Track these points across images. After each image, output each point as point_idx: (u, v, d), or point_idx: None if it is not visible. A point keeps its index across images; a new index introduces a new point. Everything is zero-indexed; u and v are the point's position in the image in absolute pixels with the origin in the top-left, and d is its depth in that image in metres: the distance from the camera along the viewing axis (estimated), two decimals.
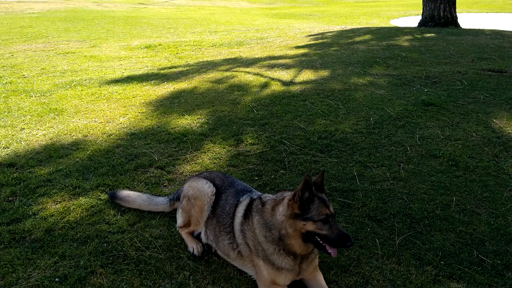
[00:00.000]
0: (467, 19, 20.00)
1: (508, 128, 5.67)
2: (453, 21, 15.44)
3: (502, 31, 14.53)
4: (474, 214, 3.83)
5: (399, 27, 16.86)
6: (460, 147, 5.15)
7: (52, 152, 5.01)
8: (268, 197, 3.09)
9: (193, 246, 3.34)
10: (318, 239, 2.74)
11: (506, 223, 3.69)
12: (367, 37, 13.43)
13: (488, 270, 3.15)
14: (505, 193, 4.15)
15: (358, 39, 13.13)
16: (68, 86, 8.07)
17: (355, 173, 4.55)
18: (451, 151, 5.01)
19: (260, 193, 3.29)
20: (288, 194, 2.87)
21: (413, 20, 19.99)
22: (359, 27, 17.44)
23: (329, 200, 3.96)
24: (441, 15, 15.31)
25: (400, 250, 3.36)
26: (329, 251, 2.73)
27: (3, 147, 5.17)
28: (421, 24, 15.89)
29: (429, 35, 13.17)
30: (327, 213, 2.72)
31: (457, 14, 15.71)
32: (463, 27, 15.39)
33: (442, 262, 3.22)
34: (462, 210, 3.88)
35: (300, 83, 8.05)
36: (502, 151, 5.04)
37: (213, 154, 5.05)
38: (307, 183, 2.71)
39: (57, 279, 2.98)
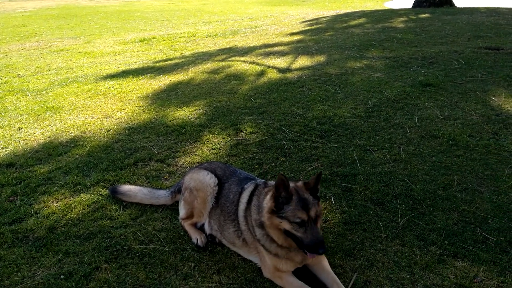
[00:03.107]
0: None
1: (507, 105, 5.64)
2: (448, 1, 15.34)
3: (498, 8, 14.42)
4: (476, 192, 3.83)
5: (393, 9, 16.74)
6: (460, 126, 5.13)
7: (51, 150, 4.99)
8: (272, 183, 3.08)
9: (196, 237, 3.33)
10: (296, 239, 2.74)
11: (508, 200, 3.69)
12: (362, 20, 13.33)
13: (492, 247, 3.15)
14: (506, 171, 4.14)
15: (353, 23, 13.03)
16: (64, 84, 8.02)
17: (356, 157, 4.54)
18: (451, 131, 5.00)
19: (264, 180, 3.28)
20: (292, 184, 2.85)
21: (407, 2, 19.81)
22: (353, 10, 17.30)
23: (330, 185, 3.99)
24: None
25: (404, 231, 3.36)
26: (306, 252, 2.72)
27: (2, 147, 5.15)
28: (415, 5, 15.79)
29: (424, 15, 13.08)
30: (303, 218, 2.68)
31: None
32: (458, 6, 15.29)
33: (446, 242, 3.22)
34: (464, 189, 3.87)
35: (297, 69, 7.99)
36: (502, 128, 5.02)
37: (213, 144, 5.03)
38: (282, 183, 2.70)
39: (62, 276, 2.98)
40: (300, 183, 2.85)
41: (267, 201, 2.87)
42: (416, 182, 4.02)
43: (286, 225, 2.73)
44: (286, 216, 2.71)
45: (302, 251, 2.77)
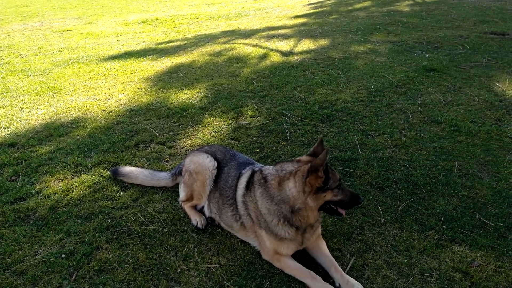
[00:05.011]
0: None
1: (511, 91, 5.60)
2: None
3: None
4: (476, 178, 3.82)
5: None
6: (462, 112, 5.10)
7: (52, 131, 5.00)
8: (268, 169, 3.01)
9: (196, 219, 3.35)
10: (332, 205, 2.80)
11: (508, 186, 3.69)
12: (367, 3, 13.17)
13: (490, 232, 3.16)
14: (508, 156, 4.13)
15: (358, 6, 12.88)
16: (66, 64, 7.99)
17: (357, 142, 4.53)
18: (453, 116, 4.97)
19: (261, 165, 3.27)
20: (289, 167, 2.83)
21: None
22: None
23: None
24: None
25: (403, 216, 3.37)
26: (341, 213, 2.84)
27: (3, 127, 5.16)
28: None
29: None
30: (339, 178, 2.75)
31: None
32: None
33: (444, 227, 3.23)
34: (465, 175, 3.87)
35: (300, 53, 7.93)
36: (505, 114, 4.99)
37: (214, 127, 5.02)
38: (326, 156, 2.66)
39: (63, 255, 3.02)
40: (307, 157, 2.87)
41: (298, 188, 2.74)
42: (416, 167, 4.02)
43: (329, 195, 2.74)
44: (330, 185, 2.72)
45: (334, 215, 2.92)
